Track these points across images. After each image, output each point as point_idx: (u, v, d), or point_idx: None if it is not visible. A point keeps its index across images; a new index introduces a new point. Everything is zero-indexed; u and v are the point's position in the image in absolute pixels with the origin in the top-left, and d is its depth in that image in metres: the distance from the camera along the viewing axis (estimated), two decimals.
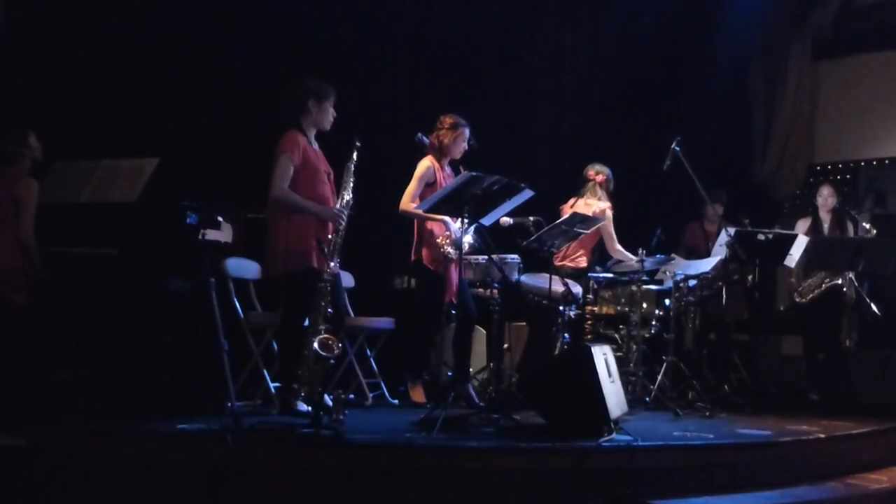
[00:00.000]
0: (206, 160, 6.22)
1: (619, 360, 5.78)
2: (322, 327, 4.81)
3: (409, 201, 5.65)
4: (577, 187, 6.56)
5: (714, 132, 8.21)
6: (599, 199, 6.46)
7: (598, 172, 6.54)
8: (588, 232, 6.01)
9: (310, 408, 4.66)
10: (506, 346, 6.45)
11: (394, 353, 6.08)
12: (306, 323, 4.90)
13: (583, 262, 6.45)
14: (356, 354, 5.92)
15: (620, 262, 6.44)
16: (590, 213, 6.14)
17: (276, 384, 5.19)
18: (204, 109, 6.52)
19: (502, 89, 7.98)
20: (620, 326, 6.43)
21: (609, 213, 6.40)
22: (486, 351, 6.62)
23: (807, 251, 6.54)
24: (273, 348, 5.46)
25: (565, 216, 5.89)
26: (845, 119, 8.82)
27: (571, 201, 6.52)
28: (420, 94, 7.41)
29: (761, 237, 6.30)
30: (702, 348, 7.02)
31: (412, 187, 5.67)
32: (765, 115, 9.06)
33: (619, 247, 6.45)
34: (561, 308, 5.93)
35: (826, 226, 7.30)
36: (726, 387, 6.40)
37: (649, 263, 6.25)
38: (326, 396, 4.75)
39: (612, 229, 6.41)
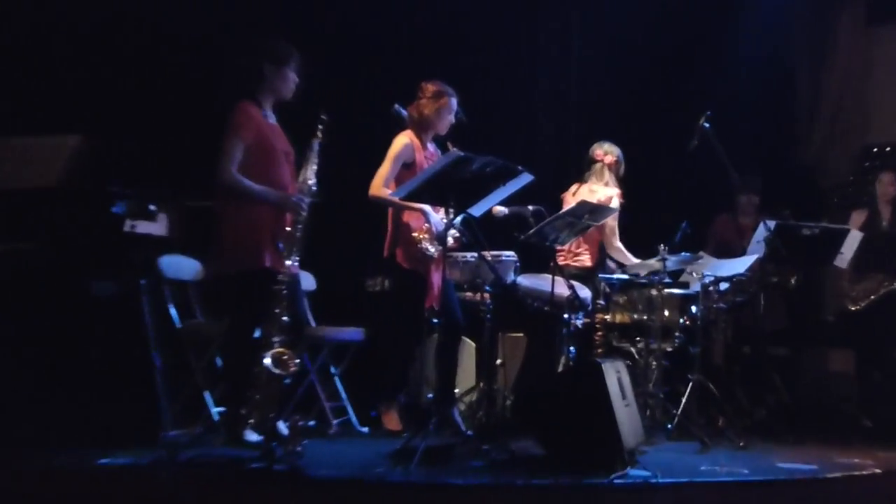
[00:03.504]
0: (139, 136, 6.05)
1: (634, 379, 5.77)
2: (276, 339, 4.76)
3: (381, 185, 5.59)
4: (582, 171, 6.58)
5: (750, 109, 8.19)
6: (607, 184, 6.48)
7: (606, 153, 6.54)
8: (598, 224, 5.98)
9: (261, 437, 4.63)
10: (499, 361, 6.41)
11: (363, 370, 6.08)
12: (257, 334, 4.87)
13: (588, 261, 6.47)
14: (318, 372, 5.92)
15: (622, 265, 6.45)
16: (594, 201, 6.15)
17: (221, 409, 5.18)
18: (136, 75, 6.47)
19: (498, 54, 7.97)
20: (637, 338, 6.41)
21: (617, 201, 6.40)
22: (475, 367, 6.56)
23: (861, 249, 6.55)
24: (217, 365, 5.45)
25: (571, 205, 5.84)
26: None
27: (574, 188, 6.55)
28: (400, 59, 7.35)
29: (806, 232, 6.29)
30: (734, 365, 6.99)
31: (385, 169, 5.63)
32: (810, 87, 9.05)
33: (619, 244, 6.48)
34: (566, 316, 5.89)
35: (885, 219, 7.29)
36: (764, 411, 6.38)
37: (672, 263, 6.22)
38: (281, 423, 4.71)
39: (615, 222, 6.41)
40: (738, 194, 7.19)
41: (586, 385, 4.80)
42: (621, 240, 6.50)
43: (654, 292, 6.24)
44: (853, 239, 6.46)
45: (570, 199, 6.45)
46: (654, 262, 6.19)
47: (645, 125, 8.05)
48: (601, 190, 6.42)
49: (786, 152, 8.92)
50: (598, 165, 6.51)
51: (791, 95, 9.06)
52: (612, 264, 6.58)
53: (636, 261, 6.36)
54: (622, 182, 6.52)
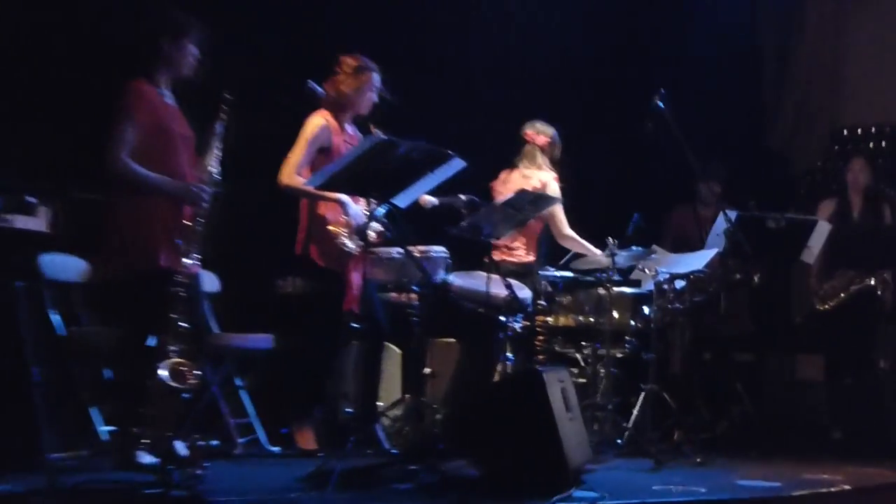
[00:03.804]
0: (14, 120, 5.99)
1: (581, 390, 5.84)
2: (174, 349, 4.73)
3: (293, 173, 5.58)
4: (513, 155, 6.65)
5: (713, 90, 8.36)
6: (540, 167, 6.54)
7: (538, 132, 6.60)
8: (541, 214, 6.02)
9: (156, 459, 4.58)
10: (428, 370, 6.48)
11: (274, 382, 6.08)
12: (152, 342, 4.82)
13: (525, 255, 6.50)
14: (221, 385, 5.92)
15: (580, 256, 6.48)
16: (529, 188, 6.19)
17: (110, 428, 5.14)
18: (13, 52, 6.32)
19: (426, 24, 7.95)
20: (583, 343, 6.50)
21: (555, 186, 6.44)
22: (400, 378, 6.61)
23: (830, 242, 6.65)
24: (106, 378, 5.39)
25: (505, 195, 5.88)
26: (883, 70, 8.93)
27: (503, 175, 6.63)
28: (314, 29, 7.31)
29: (771, 224, 6.41)
30: (693, 373, 7.07)
31: (298, 154, 5.62)
32: (777, 68, 9.18)
33: (570, 231, 6.52)
34: (503, 319, 5.92)
35: (856, 210, 7.44)
36: (725, 424, 6.47)
37: (623, 258, 6.29)
38: (179, 443, 4.64)
39: (560, 209, 6.47)
40: (698, 182, 7.30)
41: (526, 397, 4.83)
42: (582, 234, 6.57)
43: (602, 291, 6.32)
44: (821, 231, 6.58)
45: (500, 189, 6.52)
46: (602, 258, 6.26)
47: (594, 106, 8.13)
48: (535, 175, 6.47)
49: (750, 137, 9.08)
50: (528, 147, 6.56)
51: (756, 76, 9.22)
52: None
53: (595, 250, 6.38)
54: (559, 166, 6.57)
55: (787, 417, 7.67)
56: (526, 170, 6.51)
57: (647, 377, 6.17)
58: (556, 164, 6.56)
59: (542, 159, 6.52)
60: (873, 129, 8.98)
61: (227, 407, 5.90)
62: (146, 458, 4.66)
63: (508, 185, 6.44)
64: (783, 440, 6.83)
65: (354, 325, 5.78)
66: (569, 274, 6.46)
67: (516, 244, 6.46)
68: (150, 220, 4.88)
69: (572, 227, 6.54)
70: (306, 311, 5.87)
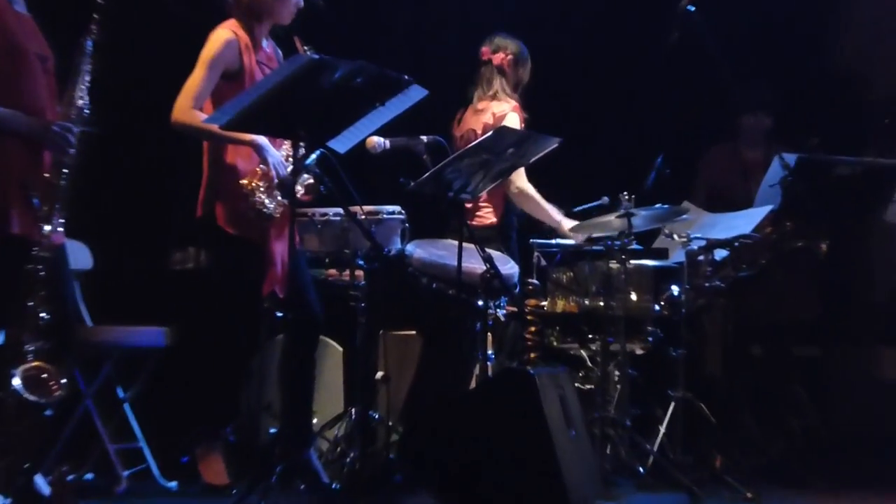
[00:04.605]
0: None
1: (587, 399, 5.86)
2: (31, 347, 4.72)
3: (189, 107, 5.57)
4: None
5: None
6: (496, 95, 6.60)
7: (496, 49, 6.68)
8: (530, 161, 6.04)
9: (8, 501, 4.58)
10: (380, 374, 6.47)
11: (168, 393, 6.12)
12: (0, 339, 4.88)
13: (493, 216, 6.58)
14: (98, 397, 5.96)
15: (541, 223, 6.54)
16: (480, 124, 6.26)
17: None
18: None
19: None
20: (590, 336, 6.53)
21: (514, 117, 6.50)
22: (342, 385, 6.68)
23: None
24: None
25: (486, 135, 5.87)
26: None
27: (458, 114, 6.79)
28: None
29: (844, 170, 6.40)
30: (738, 374, 7.13)
31: (197, 80, 5.62)
32: None
33: (524, 185, 6.54)
34: (480, 303, 5.91)
35: None
36: (782, 443, 6.51)
37: (642, 220, 6.34)
38: (40, 479, 4.66)
39: None
40: (741, 115, 7.38)
41: (512, 409, 4.92)
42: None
43: (614, 265, 6.37)
44: None
45: (457, 134, 6.61)
46: (612, 219, 6.27)
47: (600, 15, 8.13)
48: (490, 107, 6.57)
49: (812, 51, 9.10)
50: (484, 70, 6.67)
51: None
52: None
53: (556, 213, 6.43)
54: (526, 93, 6.67)
55: (866, 433, 7.76)
56: (479, 102, 6.64)
57: (676, 381, 6.28)
58: (521, 90, 6.65)
59: (500, 84, 6.63)
60: None
61: (105, 428, 5.94)
62: None
63: (462, 126, 6.59)
64: (860, 464, 6.85)
65: (278, 312, 5.84)
66: (569, 241, 6.49)
67: (483, 202, 6.53)
68: None
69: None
70: (211, 294, 5.91)
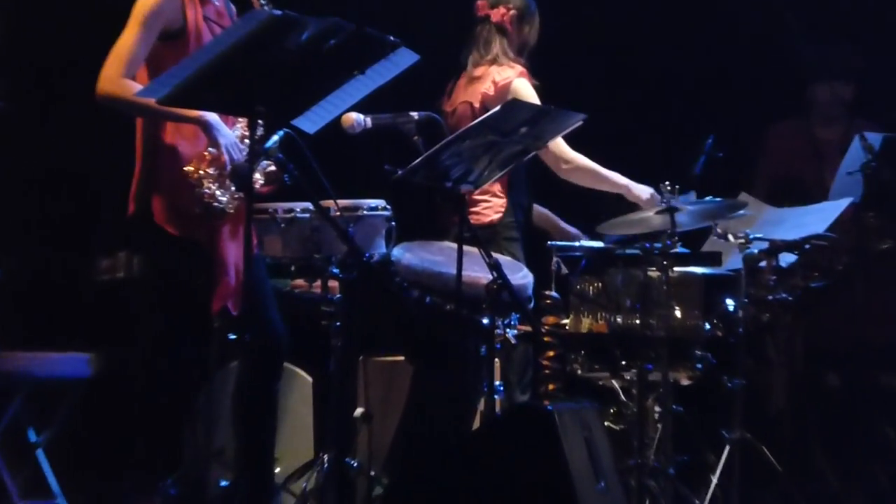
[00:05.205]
0: None
1: (620, 441, 5.86)
2: None
3: (119, 76, 5.58)
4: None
5: None
6: (496, 59, 6.62)
7: (495, 2, 6.68)
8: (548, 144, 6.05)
9: None
10: (359, 410, 6.57)
11: (94, 434, 6.03)
12: None
13: (493, 213, 6.71)
14: (2, 441, 6.07)
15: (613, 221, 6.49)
16: (478, 95, 6.39)
17: None
18: None
19: None
20: (623, 363, 6.50)
21: (523, 84, 6.53)
22: (311, 424, 6.67)
23: None
24: None
25: (493, 111, 5.90)
26: None
27: (449, 86, 6.81)
28: None
29: None
30: (809, 410, 7.14)
31: (128, 42, 5.63)
32: None
33: (576, 157, 6.62)
34: (485, 321, 5.92)
35: None
36: (864, 495, 6.54)
37: (688, 216, 6.36)
38: None
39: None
40: (814, 83, 7.37)
41: (526, 453, 4.95)
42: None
43: (654, 273, 6.40)
44: None
45: (449, 109, 6.75)
46: (651, 215, 6.31)
47: None
48: (489, 73, 6.62)
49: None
50: (481, 29, 6.68)
51: None
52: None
53: (622, 179, 6.58)
54: (533, 55, 6.65)
55: None
56: (475, 68, 6.59)
57: (732, 419, 6.25)
58: (526, 52, 6.75)
59: (500, 46, 6.62)
60: None
61: (13, 481, 5.92)
62: None
63: (454, 100, 6.51)
64: None
65: (231, 334, 5.85)
66: (597, 244, 6.51)
67: (480, 195, 6.56)
68: None
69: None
70: (147, 311, 5.90)
